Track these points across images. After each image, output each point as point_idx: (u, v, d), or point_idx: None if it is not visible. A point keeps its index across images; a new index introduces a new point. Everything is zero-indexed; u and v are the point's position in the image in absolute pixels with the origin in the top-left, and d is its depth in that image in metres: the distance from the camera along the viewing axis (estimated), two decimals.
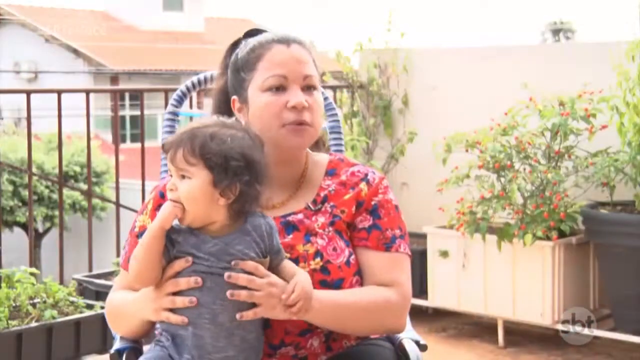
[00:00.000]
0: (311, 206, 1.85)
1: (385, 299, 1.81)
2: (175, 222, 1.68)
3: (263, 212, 1.75)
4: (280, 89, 1.82)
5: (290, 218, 1.83)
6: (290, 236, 1.81)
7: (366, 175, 1.89)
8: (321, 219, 1.83)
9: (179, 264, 1.67)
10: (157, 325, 1.78)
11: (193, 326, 1.65)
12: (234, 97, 1.89)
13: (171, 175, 1.71)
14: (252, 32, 1.93)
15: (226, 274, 1.64)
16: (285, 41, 1.85)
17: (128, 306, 1.79)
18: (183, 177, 1.66)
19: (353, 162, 1.94)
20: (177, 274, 1.67)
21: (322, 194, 1.87)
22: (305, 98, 1.82)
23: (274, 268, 1.71)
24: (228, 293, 1.64)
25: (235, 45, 1.93)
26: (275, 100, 1.81)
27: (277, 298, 1.66)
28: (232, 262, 1.65)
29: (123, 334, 1.86)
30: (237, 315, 1.64)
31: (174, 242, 1.67)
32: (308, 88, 1.84)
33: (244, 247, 1.67)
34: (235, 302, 1.65)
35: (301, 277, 1.70)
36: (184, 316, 1.66)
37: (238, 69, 1.88)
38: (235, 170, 1.65)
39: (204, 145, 1.65)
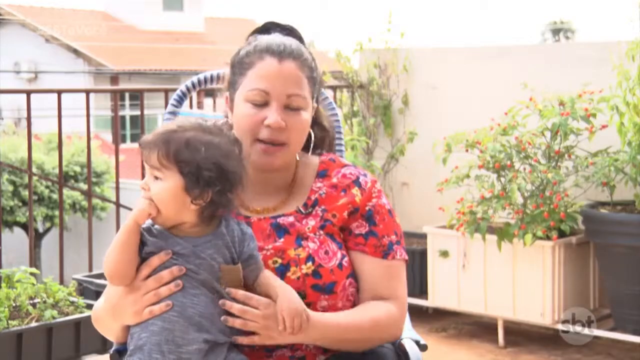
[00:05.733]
0: (302, 210, 1.84)
1: (386, 315, 1.81)
2: (148, 221, 1.68)
3: (239, 220, 1.75)
4: (262, 103, 1.80)
5: (280, 220, 1.82)
6: (282, 240, 1.79)
7: (357, 178, 1.87)
8: (311, 222, 1.82)
9: (159, 258, 1.66)
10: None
11: (162, 320, 1.65)
12: (227, 93, 1.88)
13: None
14: (269, 26, 1.91)
15: (220, 302, 1.66)
16: (279, 55, 1.81)
17: (107, 315, 1.76)
18: (156, 177, 1.67)
19: (344, 163, 1.92)
20: (149, 275, 1.67)
21: (312, 197, 1.85)
22: (285, 117, 1.78)
23: (247, 277, 1.70)
24: (222, 319, 1.66)
25: (255, 32, 1.90)
26: (253, 115, 1.79)
27: (274, 329, 1.67)
28: (226, 290, 1.66)
29: (112, 340, 1.84)
30: (232, 339, 1.67)
31: (143, 242, 1.68)
32: (292, 107, 1.80)
33: (213, 251, 1.67)
34: (207, 296, 1.66)
35: (285, 297, 1.68)
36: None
37: (234, 68, 1.86)
38: (207, 180, 1.65)
39: (178, 151, 1.65)
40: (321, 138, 1.97)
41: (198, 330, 1.64)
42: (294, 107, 1.80)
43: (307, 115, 1.84)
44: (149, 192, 1.66)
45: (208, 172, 1.64)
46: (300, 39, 1.92)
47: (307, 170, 1.90)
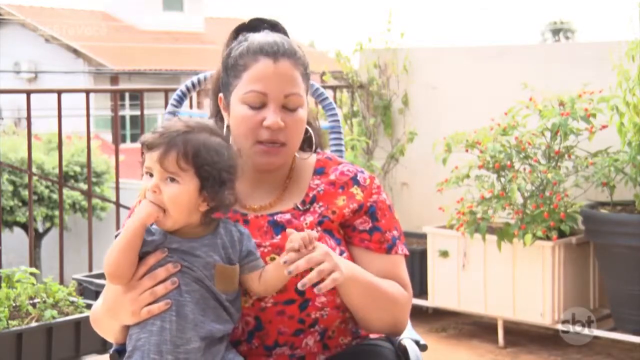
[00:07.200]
0: (300, 206, 1.84)
1: (400, 293, 1.85)
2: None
3: (236, 218, 1.76)
4: (259, 105, 1.80)
5: (277, 218, 1.82)
6: (279, 236, 1.80)
7: (356, 175, 1.88)
8: (309, 219, 1.83)
9: (155, 256, 1.66)
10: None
11: (161, 320, 1.65)
12: (221, 94, 1.88)
13: (149, 175, 1.67)
14: (256, 24, 1.90)
15: (282, 260, 1.63)
16: (274, 55, 1.80)
17: (106, 316, 1.76)
18: (168, 179, 1.65)
19: (340, 161, 1.93)
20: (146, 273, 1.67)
21: (310, 194, 1.86)
22: (283, 117, 1.79)
23: (246, 274, 1.70)
24: (286, 272, 1.62)
25: (237, 32, 1.90)
26: (252, 116, 1.79)
27: (337, 265, 1.66)
28: (287, 231, 1.67)
29: (111, 341, 1.84)
30: (315, 289, 1.62)
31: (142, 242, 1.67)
32: (289, 107, 1.81)
33: (210, 249, 1.68)
34: (201, 293, 1.65)
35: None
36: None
37: (227, 69, 1.86)
38: (226, 183, 1.67)
39: (198, 153, 1.65)
40: (310, 137, 1.95)
41: (194, 328, 1.64)
42: (291, 107, 1.81)
43: (303, 114, 1.85)
44: (160, 196, 1.65)
45: (227, 174, 1.67)
46: (285, 33, 1.92)
47: (303, 167, 1.91)
